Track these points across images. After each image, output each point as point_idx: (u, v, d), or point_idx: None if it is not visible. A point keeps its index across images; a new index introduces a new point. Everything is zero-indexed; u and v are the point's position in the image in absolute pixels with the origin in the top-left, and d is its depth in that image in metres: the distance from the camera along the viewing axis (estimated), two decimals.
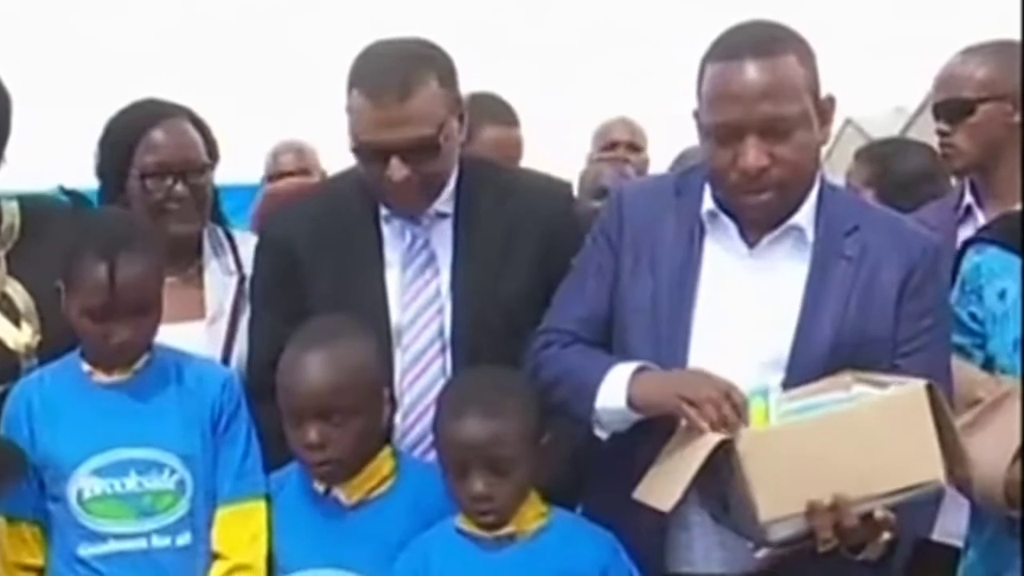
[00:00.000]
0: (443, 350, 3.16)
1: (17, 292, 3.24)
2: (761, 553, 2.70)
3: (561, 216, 3.29)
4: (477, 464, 2.88)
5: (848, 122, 30.27)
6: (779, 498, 2.62)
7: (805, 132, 2.81)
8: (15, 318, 3.22)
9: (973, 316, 3.14)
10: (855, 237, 2.90)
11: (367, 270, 3.20)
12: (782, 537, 2.66)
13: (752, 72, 2.79)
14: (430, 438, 3.06)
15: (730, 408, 2.70)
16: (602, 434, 2.91)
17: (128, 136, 3.53)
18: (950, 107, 3.83)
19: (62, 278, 3.03)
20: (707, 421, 2.69)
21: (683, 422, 2.76)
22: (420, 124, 3.07)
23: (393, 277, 3.20)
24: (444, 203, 3.21)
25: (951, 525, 3.13)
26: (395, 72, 3.07)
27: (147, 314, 3.04)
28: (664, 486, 2.68)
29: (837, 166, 5.35)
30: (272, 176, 5.86)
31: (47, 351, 3.17)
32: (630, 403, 2.83)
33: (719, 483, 2.66)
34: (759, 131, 2.78)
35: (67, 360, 3.11)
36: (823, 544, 2.65)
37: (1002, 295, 3.12)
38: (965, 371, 3.02)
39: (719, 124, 2.83)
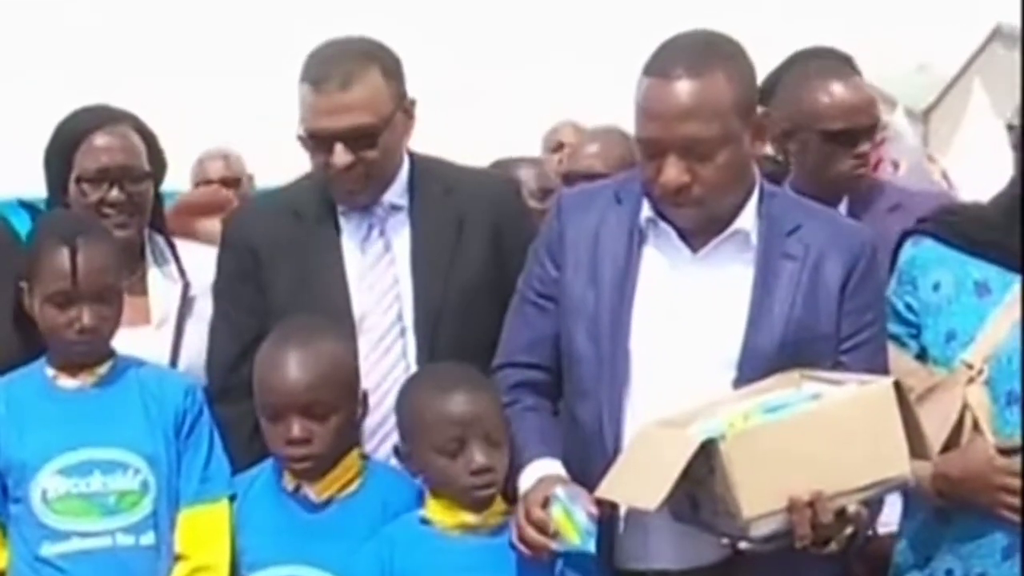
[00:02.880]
0: (402, 334, 3.25)
1: None
2: (744, 545, 2.75)
3: (508, 207, 3.40)
4: (475, 435, 2.92)
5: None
6: (760, 495, 2.67)
7: (730, 150, 2.85)
8: None
9: (909, 307, 3.18)
10: (797, 236, 2.95)
11: (327, 262, 3.28)
12: (763, 534, 2.71)
13: (675, 92, 2.82)
14: (391, 422, 3.12)
15: (532, 529, 2.80)
16: None
17: (70, 140, 3.55)
18: None
19: (24, 275, 3.08)
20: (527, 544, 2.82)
21: (641, 429, 2.84)
22: (361, 112, 3.18)
23: (353, 268, 3.29)
24: (398, 196, 3.32)
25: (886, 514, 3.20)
26: (338, 63, 3.20)
27: (109, 303, 3.09)
28: (645, 485, 2.71)
29: None
30: (198, 184, 5.72)
31: None
32: None
33: (689, 482, 2.69)
34: (678, 151, 2.83)
35: (32, 367, 3.14)
36: (800, 540, 2.70)
37: (936, 287, 3.16)
38: (899, 360, 3.07)
39: (641, 140, 2.89)
